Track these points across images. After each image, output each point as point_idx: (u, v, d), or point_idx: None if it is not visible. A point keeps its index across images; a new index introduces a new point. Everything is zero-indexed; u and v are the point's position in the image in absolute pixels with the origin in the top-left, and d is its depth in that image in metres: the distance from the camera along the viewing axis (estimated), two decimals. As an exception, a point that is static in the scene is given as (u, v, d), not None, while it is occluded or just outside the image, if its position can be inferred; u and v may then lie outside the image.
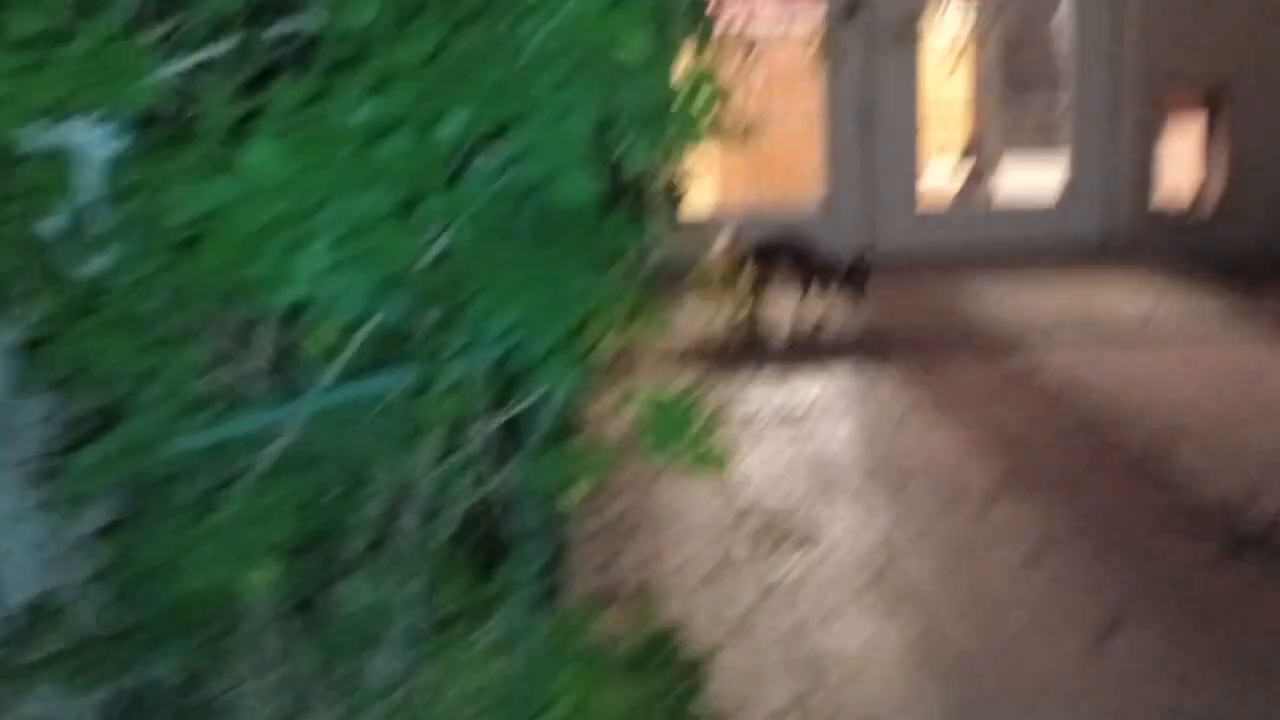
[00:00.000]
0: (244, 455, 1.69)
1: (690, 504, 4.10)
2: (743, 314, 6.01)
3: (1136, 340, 5.88)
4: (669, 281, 6.12)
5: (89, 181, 1.33)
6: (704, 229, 6.72)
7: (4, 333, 1.49)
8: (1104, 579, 3.44)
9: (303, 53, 1.49)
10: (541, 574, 2.40)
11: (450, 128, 1.19)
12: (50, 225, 1.33)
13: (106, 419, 1.54)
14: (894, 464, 4.42)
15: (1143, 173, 7.22)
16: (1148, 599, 3.31)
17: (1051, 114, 7.82)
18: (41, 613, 1.68)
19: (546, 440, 1.87)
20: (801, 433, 4.81)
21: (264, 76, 1.44)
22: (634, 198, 2.14)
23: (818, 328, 6.19)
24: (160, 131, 1.44)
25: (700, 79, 1.52)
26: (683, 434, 1.71)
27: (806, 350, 5.96)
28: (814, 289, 6.20)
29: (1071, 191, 7.48)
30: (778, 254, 6.25)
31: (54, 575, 1.70)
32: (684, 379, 5.49)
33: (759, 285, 6.23)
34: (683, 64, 1.56)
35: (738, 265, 6.21)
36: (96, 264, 1.33)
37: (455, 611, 2.00)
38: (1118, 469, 4.29)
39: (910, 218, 7.35)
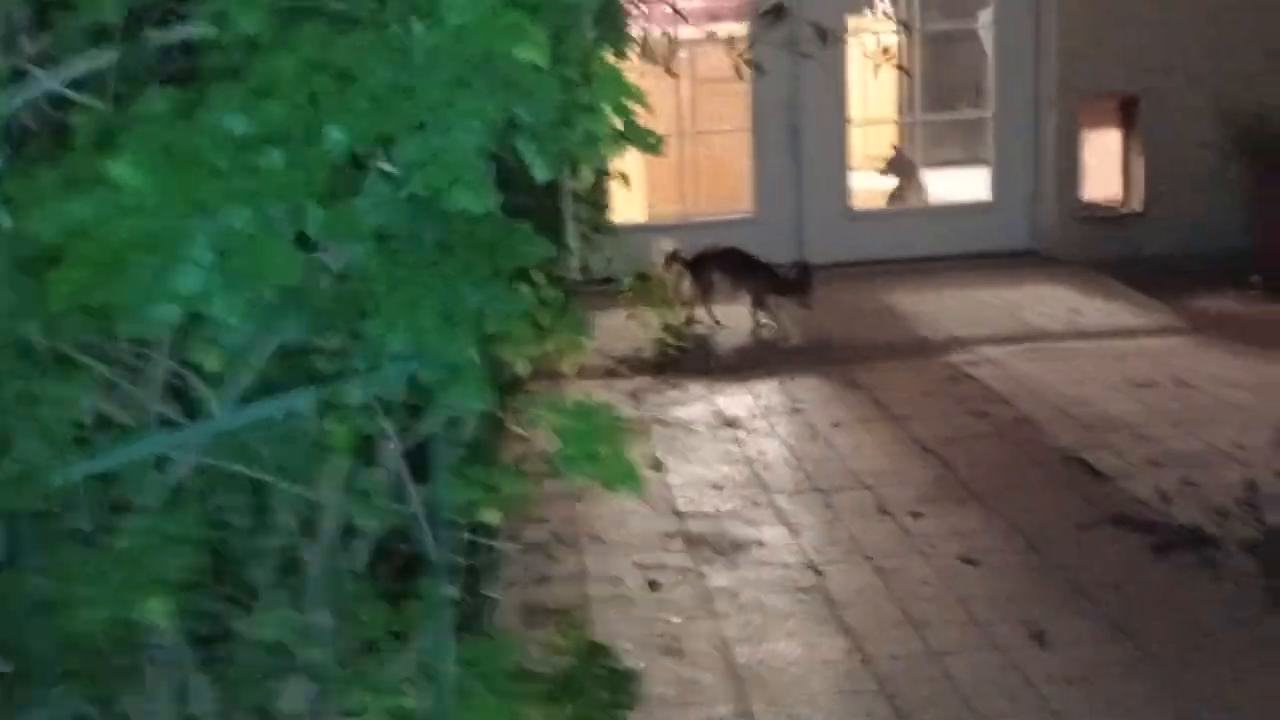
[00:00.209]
0: (139, 484, 1.61)
1: (624, 515, 4.05)
2: (682, 324, 5.96)
3: (1062, 344, 5.93)
4: (598, 292, 6.09)
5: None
6: (634, 238, 6.69)
7: None
8: (1031, 587, 3.45)
9: (186, 64, 1.43)
10: (462, 597, 2.34)
11: (333, 139, 1.13)
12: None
13: (-16, 451, 1.46)
14: (826, 472, 4.40)
15: (1065, 180, 7.31)
16: (1074, 606, 3.32)
17: (976, 123, 7.89)
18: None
19: (460, 460, 1.82)
20: (735, 442, 4.78)
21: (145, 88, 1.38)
22: (545, 208, 2.09)
23: (762, 335, 6.17)
24: (34, 146, 1.37)
25: (611, 85, 1.48)
26: (599, 450, 1.66)
27: (745, 358, 5.94)
28: (758, 297, 6.20)
29: (997, 198, 7.56)
30: (718, 263, 6.24)
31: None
32: (604, 393, 5.44)
33: (700, 295, 6.21)
34: (594, 69, 1.51)
35: (678, 275, 6.18)
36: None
37: (370, 639, 1.93)
38: (1045, 473, 4.32)
39: (840, 224, 7.37)
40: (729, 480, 4.35)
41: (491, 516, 1.73)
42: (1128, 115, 7.36)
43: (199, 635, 1.90)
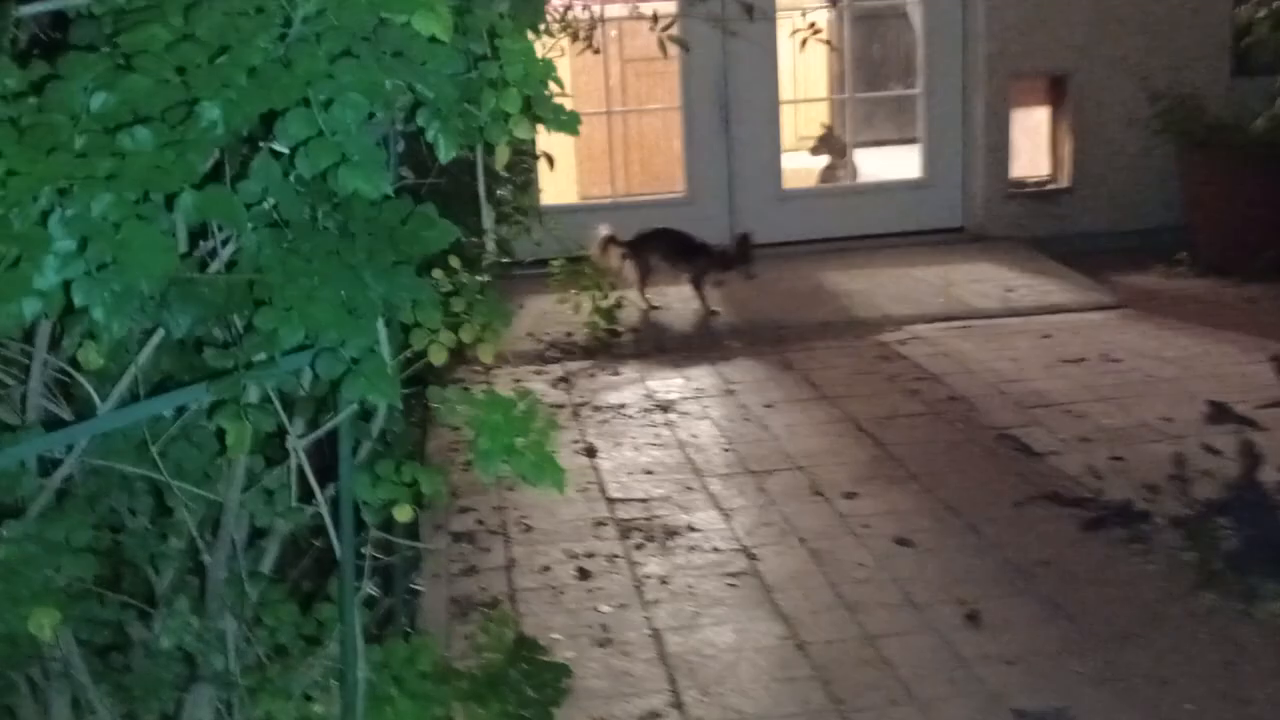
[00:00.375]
0: (15, 488, 1.50)
1: (554, 503, 3.97)
2: (613, 306, 5.88)
3: (994, 321, 5.95)
4: (528, 275, 5.99)
5: None
6: (566, 220, 6.59)
7: None
8: (966, 566, 3.43)
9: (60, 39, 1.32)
10: (380, 595, 2.25)
11: (209, 116, 1.03)
12: None
13: None
14: (759, 454, 4.36)
15: (995, 158, 7.33)
16: (1009, 585, 3.30)
17: (906, 101, 7.88)
18: None
19: (372, 456, 1.73)
20: (667, 425, 4.72)
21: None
22: (461, 190, 2.00)
23: (706, 314, 6.11)
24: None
25: (521, 60, 1.40)
26: (517, 443, 1.58)
27: (678, 340, 5.87)
28: (699, 277, 6.14)
29: (928, 176, 7.56)
30: (656, 245, 6.17)
31: None
32: (535, 378, 5.36)
33: (639, 278, 6.14)
34: (503, 44, 1.42)
35: (616, 259, 6.10)
36: None
37: (279, 644, 1.84)
38: (978, 451, 4.31)
39: (772, 204, 7.33)
40: (661, 464, 4.29)
41: (405, 514, 1.65)
42: (1057, 94, 7.39)
43: (96, 645, 1.80)
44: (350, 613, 1.59)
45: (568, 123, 1.45)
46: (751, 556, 3.52)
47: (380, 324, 1.43)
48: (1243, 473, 3.41)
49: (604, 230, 6.13)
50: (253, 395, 1.48)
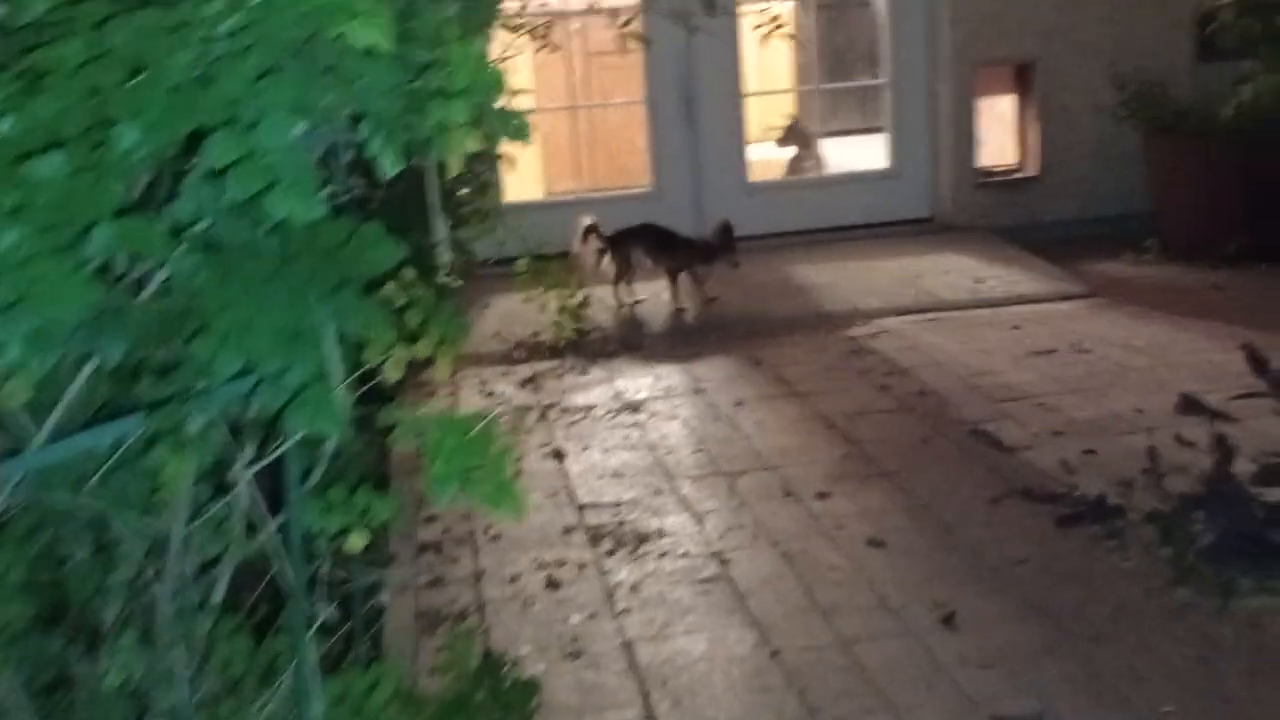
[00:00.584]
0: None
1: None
2: (580, 305, 5.80)
3: (964, 313, 5.92)
4: (493, 274, 5.92)
5: None
6: (532, 216, 6.51)
7: None
8: (940, 566, 3.39)
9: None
10: (340, 623, 2.18)
11: (128, 140, 0.96)
12: None
13: None
14: (729, 454, 4.31)
15: (963, 147, 7.30)
16: (984, 584, 3.26)
17: (872, 92, 7.84)
18: None
19: (322, 482, 1.66)
20: (636, 426, 4.66)
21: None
22: (412, 199, 1.92)
23: (689, 310, 6.05)
24: None
25: (469, 68, 1.33)
26: (474, 466, 1.52)
27: (649, 336, 5.81)
28: (681, 271, 6.08)
29: (895, 166, 7.52)
30: (638, 240, 6.10)
31: None
32: (501, 380, 5.28)
33: (620, 273, 6.07)
34: (450, 51, 1.35)
35: (596, 254, 6.03)
36: None
37: (232, 678, 1.76)
38: (950, 447, 4.27)
39: (739, 197, 7.27)
40: (631, 467, 4.23)
41: (358, 542, 1.58)
42: (1023, 82, 7.38)
43: (39, 684, 1.72)
44: (303, 648, 1.52)
45: (519, 131, 1.38)
46: (723, 561, 3.47)
47: (331, 344, 1.36)
48: (1216, 466, 3.38)
49: (586, 220, 6.05)
50: (196, 424, 1.40)
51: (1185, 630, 2.97)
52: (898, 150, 7.52)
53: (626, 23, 5.08)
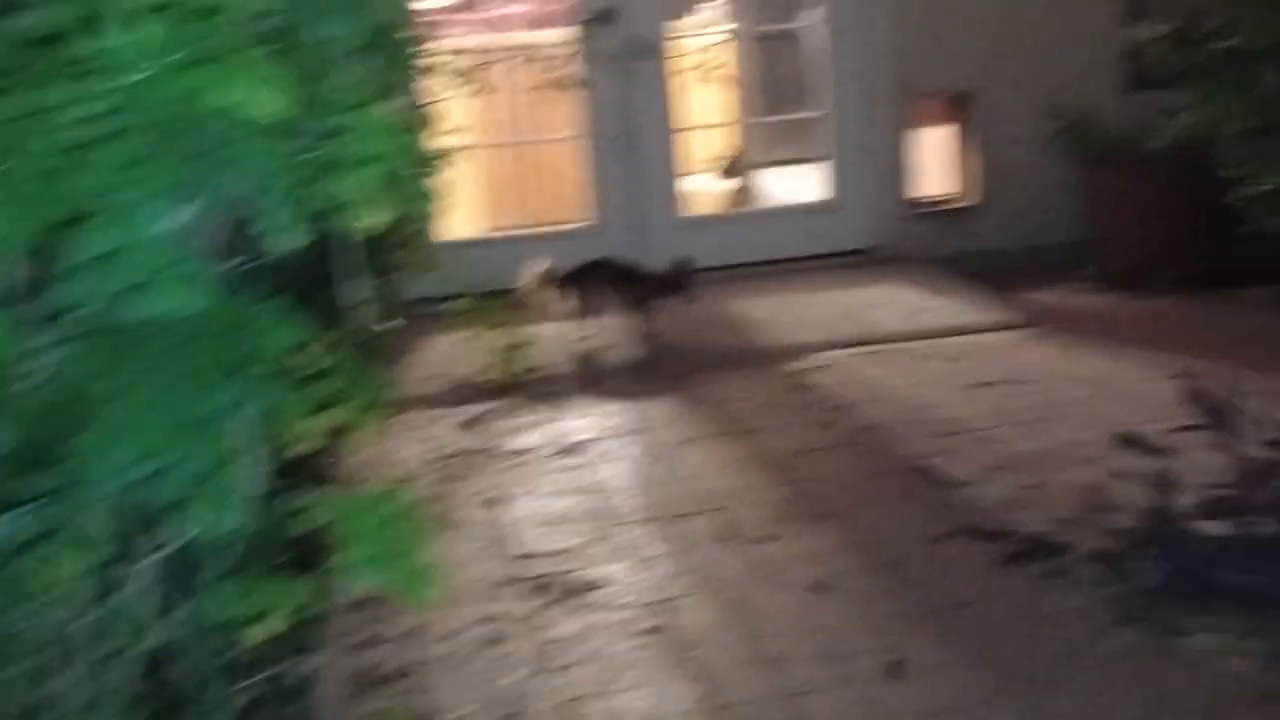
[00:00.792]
0: None
1: (461, 562, 3.81)
2: (527, 342, 5.71)
3: (904, 345, 5.91)
4: (432, 314, 5.82)
5: None
6: (473, 253, 6.43)
7: None
8: (887, 611, 3.34)
9: None
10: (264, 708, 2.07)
11: (-18, 232, 0.89)
12: None
13: None
14: (672, 497, 4.24)
15: (902, 177, 7.33)
16: (931, 629, 3.22)
17: (812, 123, 7.85)
18: None
19: (233, 567, 1.57)
20: (578, 469, 4.59)
21: None
22: (328, 259, 1.84)
23: (646, 342, 5.97)
24: None
25: (376, 135, 1.26)
26: (395, 548, 1.44)
27: (593, 375, 5.73)
28: (641, 304, 6.00)
29: (837, 197, 7.53)
30: (596, 277, 6.01)
31: None
32: (439, 423, 5.17)
33: (580, 311, 5.97)
34: (356, 118, 1.28)
35: (553, 294, 5.93)
36: None
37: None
38: (894, 484, 4.24)
39: (681, 231, 7.23)
40: (572, 513, 4.15)
41: (275, 627, 1.49)
42: (961, 112, 7.42)
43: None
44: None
45: (432, 201, 1.31)
46: (666, 611, 3.40)
47: (242, 426, 1.28)
48: (1158, 503, 3.37)
49: (541, 264, 5.95)
50: (89, 518, 1.31)
51: (1133, 672, 2.94)
52: (839, 181, 7.52)
53: (556, 69, 5.04)
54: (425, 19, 4.77)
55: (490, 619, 3.42)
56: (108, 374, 1.11)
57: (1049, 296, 6.63)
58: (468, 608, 3.49)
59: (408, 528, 1.44)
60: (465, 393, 5.53)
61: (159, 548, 1.40)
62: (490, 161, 8.30)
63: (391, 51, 1.72)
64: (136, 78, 0.92)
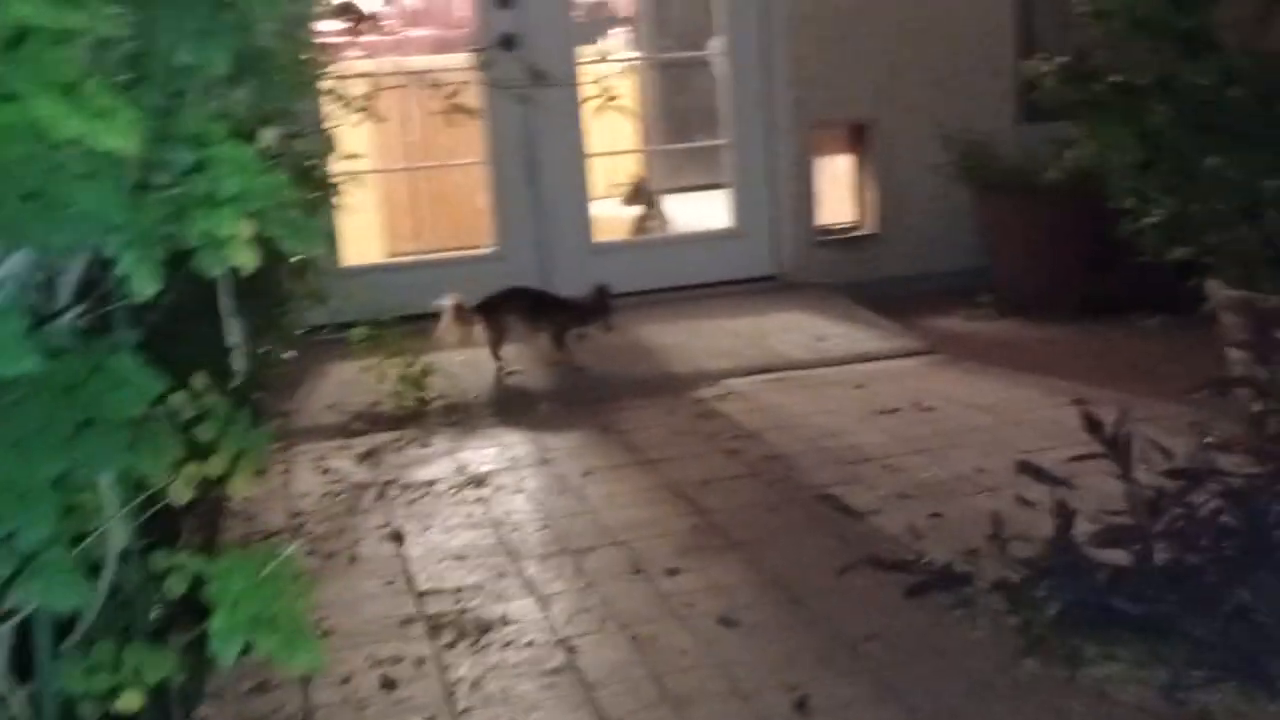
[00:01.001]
0: None
1: (356, 600, 3.69)
2: (425, 371, 5.59)
3: (808, 372, 5.92)
4: (328, 341, 5.68)
5: None
6: (371, 280, 6.30)
7: None
8: (793, 645, 3.30)
9: None
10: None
11: None
12: None
13: None
14: (577, 530, 4.17)
15: (803, 205, 7.38)
16: (837, 663, 3.18)
17: (715, 150, 7.87)
18: None
19: (85, 635, 1.45)
20: (480, 502, 4.49)
21: None
22: (198, 300, 1.74)
23: (571, 369, 5.89)
24: None
25: (239, 172, 1.17)
26: (265, 611, 1.34)
27: (495, 405, 5.63)
28: (559, 332, 5.92)
29: (739, 225, 7.55)
30: (511, 306, 5.91)
31: None
32: (337, 455, 5.04)
33: (494, 341, 5.86)
34: (217, 152, 1.19)
35: (467, 325, 5.82)
36: None
37: None
38: (800, 513, 4.22)
39: (584, 258, 7.18)
40: (474, 548, 4.04)
41: (131, 703, 1.38)
42: (859, 141, 7.51)
43: None
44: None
45: (306, 237, 1.23)
46: (570, 649, 3.32)
47: (103, 486, 1.18)
48: (1058, 533, 3.38)
49: (451, 299, 5.84)
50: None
51: (1036, 705, 2.94)
52: (741, 209, 7.55)
53: (452, 94, 4.96)
54: (323, 42, 4.65)
55: (389, 660, 3.30)
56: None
57: (948, 323, 6.72)
58: (365, 648, 3.37)
59: (286, 588, 1.34)
60: (365, 423, 5.40)
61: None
62: (390, 187, 8.17)
63: (275, 77, 1.63)
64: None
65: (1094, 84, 4.90)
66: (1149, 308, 6.23)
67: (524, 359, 6.05)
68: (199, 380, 1.67)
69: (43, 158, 0.86)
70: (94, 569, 1.29)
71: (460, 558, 3.98)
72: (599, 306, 5.95)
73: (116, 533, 1.28)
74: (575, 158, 7.25)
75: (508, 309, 5.92)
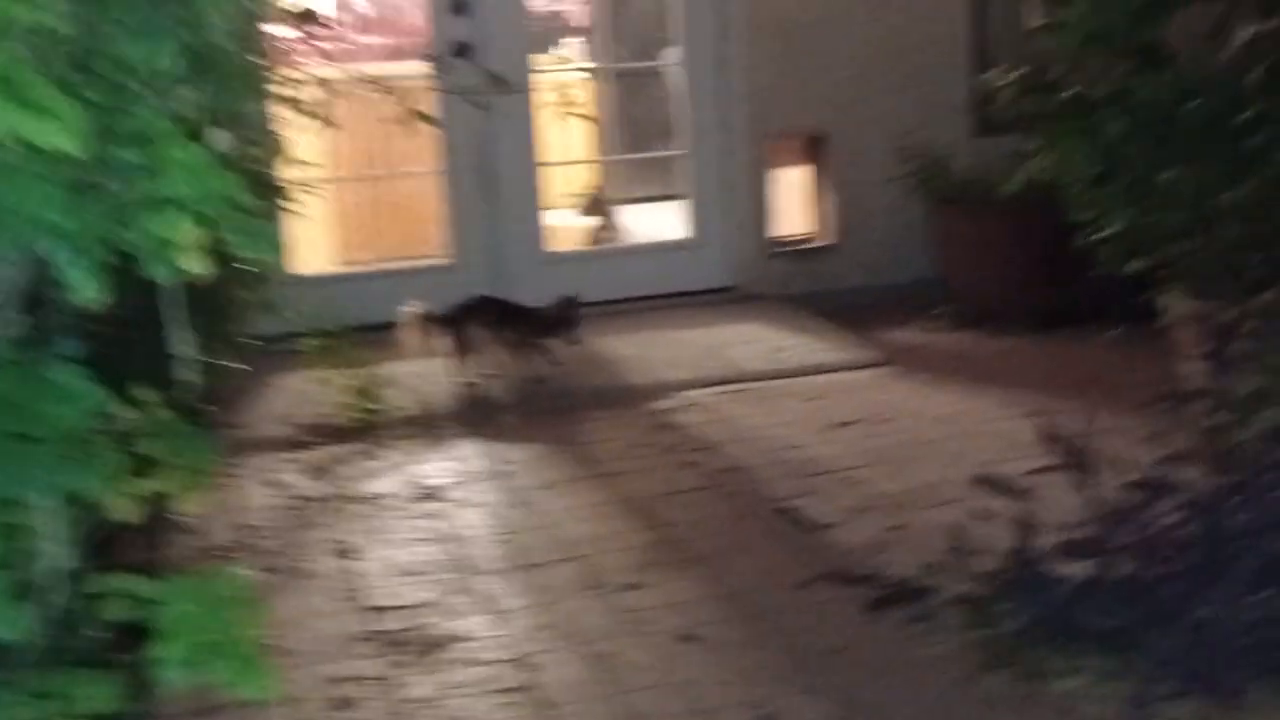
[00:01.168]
0: None
1: (308, 617, 3.60)
2: (378, 383, 5.49)
3: (766, 383, 5.89)
4: (279, 351, 5.56)
5: None
6: (325, 290, 6.19)
7: None
8: (755, 661, 3.25)
9: None
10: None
11: None
12: None
13: None
14: (534, 544, 4.10)
15: (759, 216, 7.36)
16: (800, 679, 3.14)
17: (672, 161, 7.84)
18: None
19: (28, 665, 1.38)
20: (435, 516, 4.41)
21: None
22: (145, 309, 1.66)
23: (536, 380, 5.80)
24: None
25: (191, 176, 1.11)
26: (212, 639, 1.27)
27: (450, 416, 5.54)
28: (523, 342, 5.82)
29: (696, 236, 7.51)
30: (476, 316, 5.81)
31: None
32: (287, 467, 4.93)
33: (460, 352, 5.75)
34: (168, 154, 1.13)
35: (431, 336, 5.71)
36: None
37: None
38: (759, 527, 4.18)
39: (539, 269, 7.11)
40: (428, 563, 3.97)
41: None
42: (816, 153, 7.51)
43: None
44: None
45: (264, 246, 1.16)
46: (528, 667, 3.25)
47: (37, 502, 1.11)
48: (1019, 545, 3.37)
49: (416, 307, 5.73)
50: None
51: (1004, 718, 2.91)
52: (698, 220, 7.52)
53: (409, 103, 4.89)
54: (275, 47, 4.56)
55: (341, 679, 3.22)
56: None
57: (905, 335, 6.72)
58: (316, 667, 3.28)
59: (237, 613, 1.28)
60: (316, 435, 5.29)
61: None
62: (343, 196, 8.05)
63: (226, 77, 1.57)
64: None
65: (1050, 97, 4.92)
66: (1106, 320, 6.26)
67: (484, 370, 5.97)
68: (145, 393, 1.60)
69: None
70: (29, 592, 1.22)
71: (415, 573, 3.90)
72: (565, 318, 5.88)
73: (54, 553, 1.21)
74: (530, 168, 7.19)
75: (473, 319, 5.83)
